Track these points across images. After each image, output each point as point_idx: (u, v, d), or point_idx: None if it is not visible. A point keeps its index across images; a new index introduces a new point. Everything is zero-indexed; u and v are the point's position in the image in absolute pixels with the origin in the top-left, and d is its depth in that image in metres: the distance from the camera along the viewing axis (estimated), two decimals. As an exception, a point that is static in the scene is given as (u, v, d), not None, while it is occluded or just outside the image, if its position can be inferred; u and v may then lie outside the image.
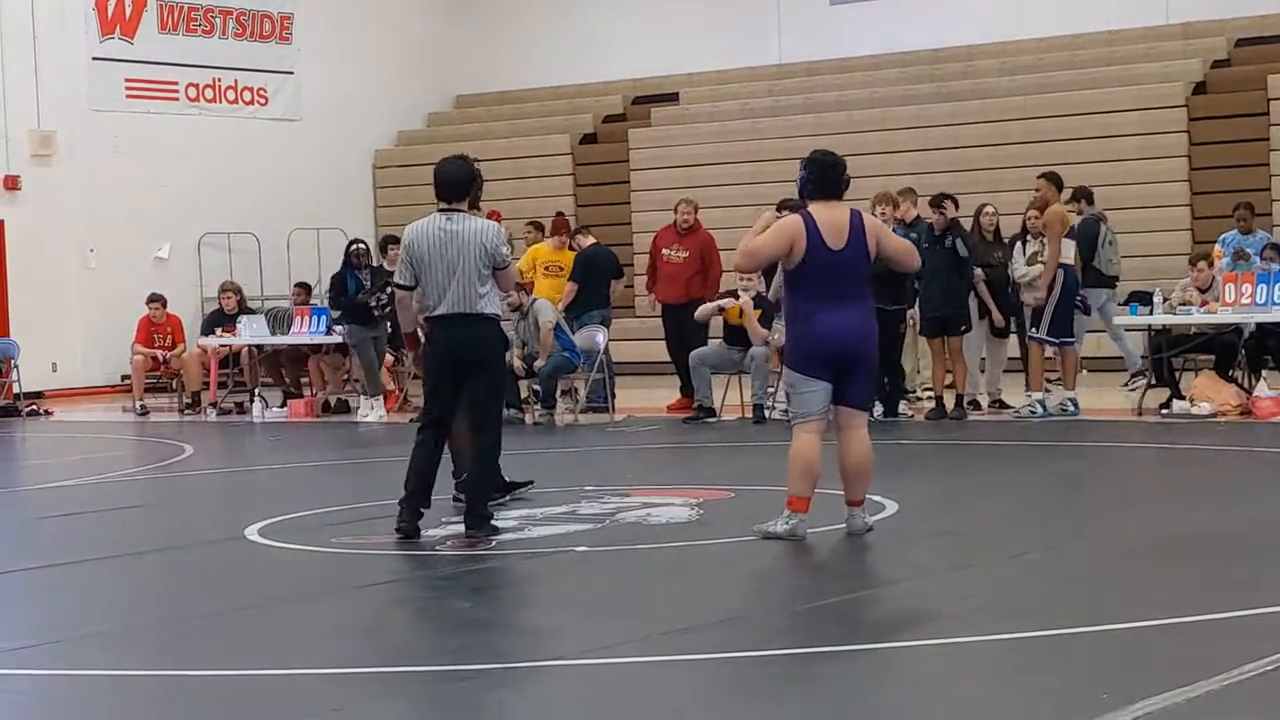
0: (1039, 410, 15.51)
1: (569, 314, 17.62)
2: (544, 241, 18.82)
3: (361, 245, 18.92)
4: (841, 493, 9.55)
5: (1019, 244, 15.94)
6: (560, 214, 19.48)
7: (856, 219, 9.41)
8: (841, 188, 9.50)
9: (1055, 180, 15.96)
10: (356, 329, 18.43)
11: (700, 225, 18.26)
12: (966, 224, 16.12)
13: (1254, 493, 11.17)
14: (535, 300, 17.16)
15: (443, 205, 9.94)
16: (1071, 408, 15.71)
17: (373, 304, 18.33)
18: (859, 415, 9.45)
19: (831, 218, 9.33)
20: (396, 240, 17.11)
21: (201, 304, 24.22)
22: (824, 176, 9.44)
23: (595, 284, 17.92)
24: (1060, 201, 15.84)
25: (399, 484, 9.91)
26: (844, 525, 9.49)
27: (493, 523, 9.96)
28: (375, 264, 18.72)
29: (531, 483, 11.46)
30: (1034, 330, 15.69)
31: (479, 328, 9.90)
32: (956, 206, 15.83)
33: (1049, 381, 16.03)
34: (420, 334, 10.63)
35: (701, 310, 16.64)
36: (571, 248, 18.46)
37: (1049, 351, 15.85)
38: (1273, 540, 9.17)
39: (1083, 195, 17.58)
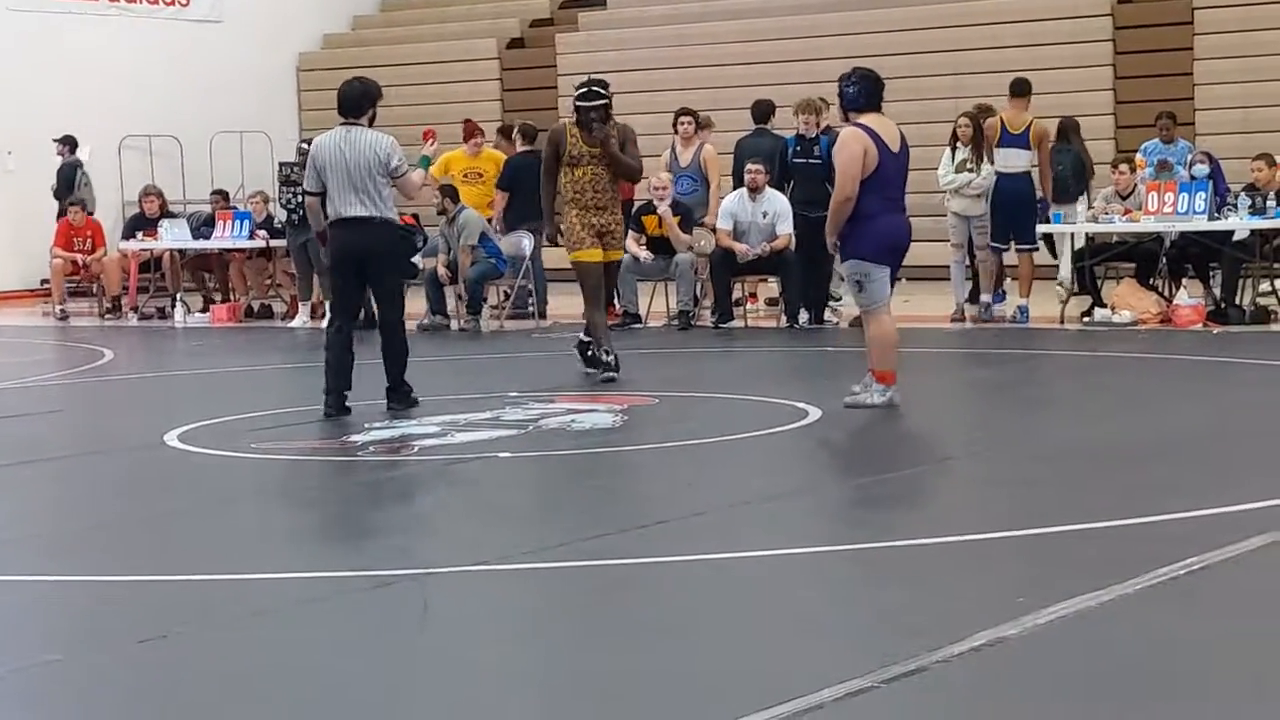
0: (1020, 317, 15.65)
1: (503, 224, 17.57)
2: (459, 149, 18.64)
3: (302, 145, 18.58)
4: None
5: (947, 151, 15.96)
6: (469, 120, 19.31)
7: (899, 129, 10.59)
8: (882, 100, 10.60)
9: (1017, 89, 15.91)
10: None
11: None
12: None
13: (1173, 400, 11.30)
14: (463, 209, 17.06)
15: (342, 120, 10.94)
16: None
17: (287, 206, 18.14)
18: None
19: (885, 126, 10.52)
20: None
21: (123, 207, 23.94)
22: (874, 90, 10.54)
23: (525, 193, 17.75)
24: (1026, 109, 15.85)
25: (320, 390, 9.91)
26: (778, 428, 9.83)
27: (412, 395, 11.05)
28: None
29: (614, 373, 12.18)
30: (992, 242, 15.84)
31: (377, 229, 10.89)
32: None
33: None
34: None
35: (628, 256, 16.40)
36: (498, 147, 18.35)
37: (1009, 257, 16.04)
38: (1189, 447, 9.27)
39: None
